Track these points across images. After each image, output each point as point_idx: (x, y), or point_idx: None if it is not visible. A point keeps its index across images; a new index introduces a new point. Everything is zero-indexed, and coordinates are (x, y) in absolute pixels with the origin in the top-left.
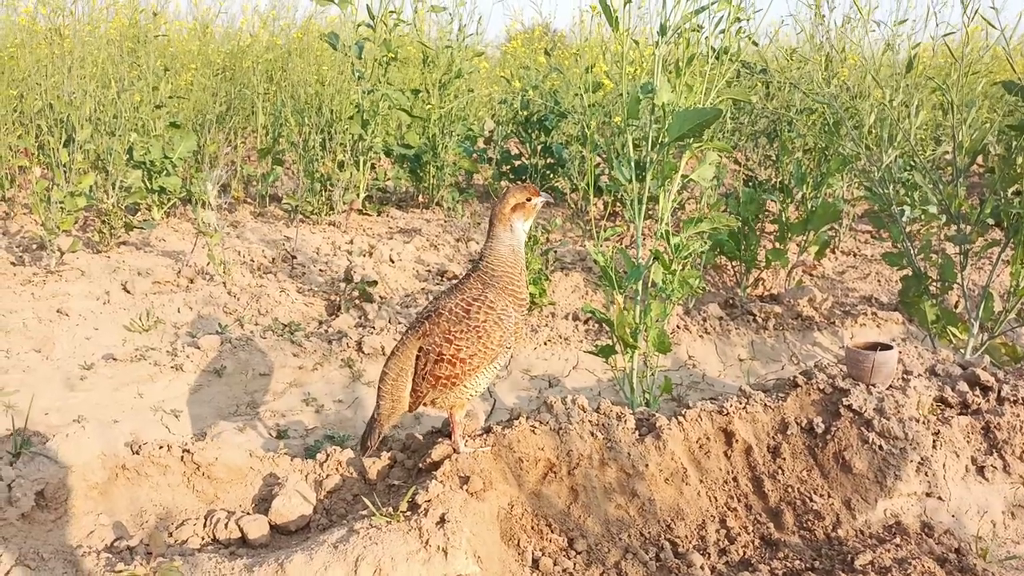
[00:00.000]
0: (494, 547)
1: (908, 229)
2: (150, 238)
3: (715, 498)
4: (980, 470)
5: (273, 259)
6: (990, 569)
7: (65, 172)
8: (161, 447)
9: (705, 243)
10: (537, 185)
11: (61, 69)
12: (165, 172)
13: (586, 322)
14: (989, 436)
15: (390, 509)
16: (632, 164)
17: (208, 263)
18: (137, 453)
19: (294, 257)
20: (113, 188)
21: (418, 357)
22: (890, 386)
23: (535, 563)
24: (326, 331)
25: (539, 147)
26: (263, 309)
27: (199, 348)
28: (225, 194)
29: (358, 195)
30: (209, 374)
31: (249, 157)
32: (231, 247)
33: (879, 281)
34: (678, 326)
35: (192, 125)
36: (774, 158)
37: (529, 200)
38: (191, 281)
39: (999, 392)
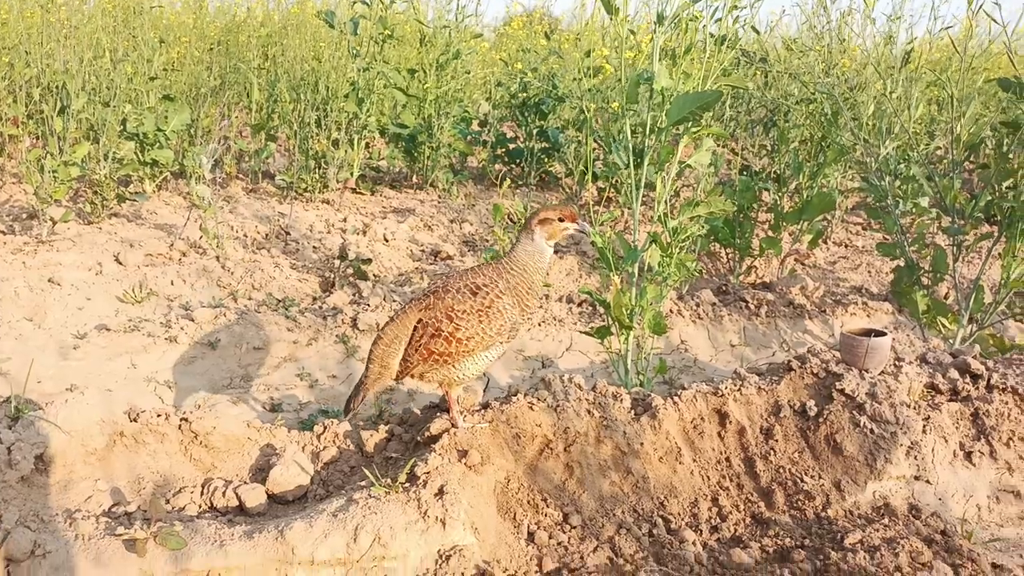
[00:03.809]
0: (491, 520)
1: (900, 221)
2: (141, 210)
3: (708, 477)
4: (968, 455)
5: (267, 235)
6: (975, 550)
7: (59, 141)
8: (159, 415)
9: (702, 227)
10: (572, 209)
11: (55, 37)
12: (158, 144)
13: (580, 304)
14: (977, 422)
15: (389, 480)
16: (630, 149)
17: (201, 237)
18: (135, 421)
19: (288, 233)
20: (105, 159)
21: (416, 328)
22: (882, 372)
23: (531, 536)
24: (320, 307)
25: (535, 131)
26: (257, 284)
27: (193, 320)
28: (217, 169)
29: (352, 173)
30: (203, 346)
31: (242, 132)
32: (224, 222)
33: (870, 272)
34: (671, 311)
35: (186, 98)
36: (769, 147)
37: (561, 221)
38: (184, 254)
39: (989, 380)
